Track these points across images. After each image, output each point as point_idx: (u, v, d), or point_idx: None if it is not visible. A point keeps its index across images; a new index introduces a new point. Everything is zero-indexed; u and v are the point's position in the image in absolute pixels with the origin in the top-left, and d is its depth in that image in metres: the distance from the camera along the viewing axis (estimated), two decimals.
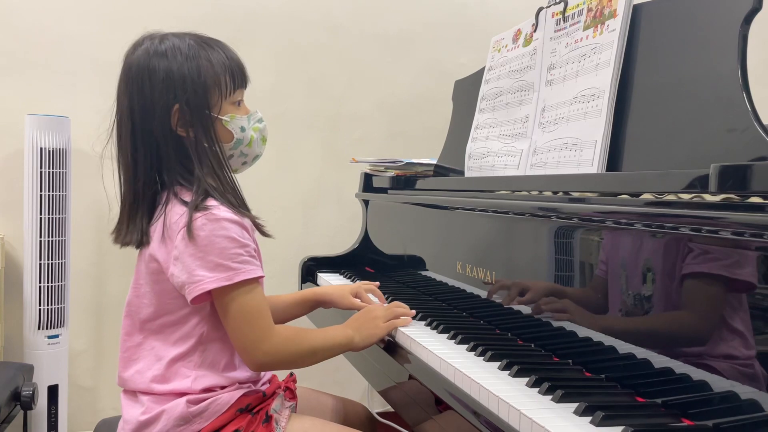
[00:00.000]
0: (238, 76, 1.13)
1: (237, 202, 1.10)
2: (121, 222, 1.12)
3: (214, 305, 1.07)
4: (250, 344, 1.06)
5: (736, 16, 0.97)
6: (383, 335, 1.22)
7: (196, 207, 1.04)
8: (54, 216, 1.95)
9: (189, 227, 1.02)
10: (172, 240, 1.05)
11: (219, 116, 1.11)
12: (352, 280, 1.78)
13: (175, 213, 1.06)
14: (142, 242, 1.10)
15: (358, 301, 1.35)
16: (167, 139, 1.08)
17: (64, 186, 1.98)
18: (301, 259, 1.99)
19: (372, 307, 1.28)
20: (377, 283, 1.44)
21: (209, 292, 1.04)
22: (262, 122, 1.18)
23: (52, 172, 1.95)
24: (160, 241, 1.07)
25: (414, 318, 1.30)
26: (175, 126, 1.08)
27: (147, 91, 1.07)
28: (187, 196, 1.06)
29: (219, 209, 1.05)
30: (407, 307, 1.29)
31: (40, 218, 1.94)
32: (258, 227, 1.12)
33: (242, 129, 1.14)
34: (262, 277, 1.08)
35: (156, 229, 1.08)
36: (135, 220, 1.10)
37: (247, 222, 1.09)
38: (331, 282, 1.77)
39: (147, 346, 1.10)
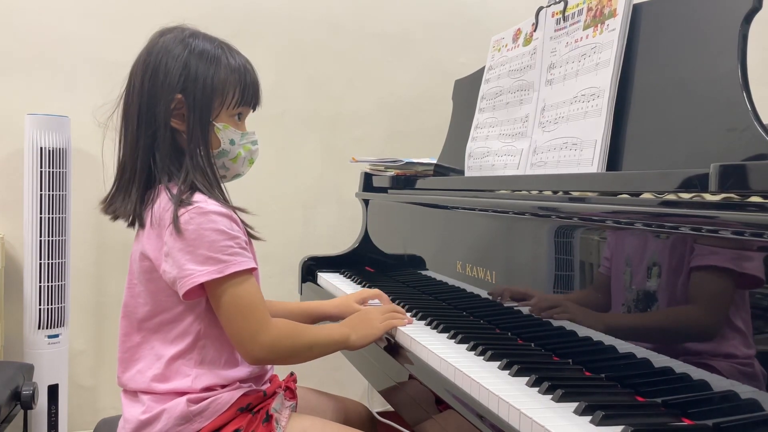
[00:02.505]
0: (247, 95, 1.14)
1: (223, 200, 1.10)
2: (116, 193, 1.12)
3: (209, 302, 1.07)
4: (246, 336, 1.05)
5: (736, 16, 0.97)
6: (380, 335, 1.22)
7: (181, 202, 1.04)
8: (54, 216, 1.95)
9: (176, 222, 1.02)
10: (161, 234, 1.05)
11: (213, 121, 1.11)
12: (353, 280, 1.78)
13: (163, 208, 1.06)
14: (134, 222, 1.10)
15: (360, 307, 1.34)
16: (166, 126, 1.09)
17: (64, 186, 1.98)
18: (301, 258, 1.99)
19: (368, 308, 1.28)
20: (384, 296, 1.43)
21: (202, 288, 1.04)
22: (256, 145, 1.18)
23: (52, 172, 1.95)
24: (149, 236, 1.07)
25: (414, 317, 1.30)
26: (171, 115, 1.08)
27: (161, 76, 1.08)
28: (176, 190, 1.06)
29: (206, 203, 1.05)
30: (405, 312, 1.29)
31: (40, 218, 1.94)
32: (247, 229, 1.11)
33: (231, 142, 1.14)
34: (255, 269, 1.08)
35: (146, 217, 1.08)
36: (130, 194, 1.10)
37: (235, 215, 1.08)
38: (331, 281, 1.78)
39: (147, 346, 1.10)
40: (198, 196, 1.05)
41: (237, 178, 1.20)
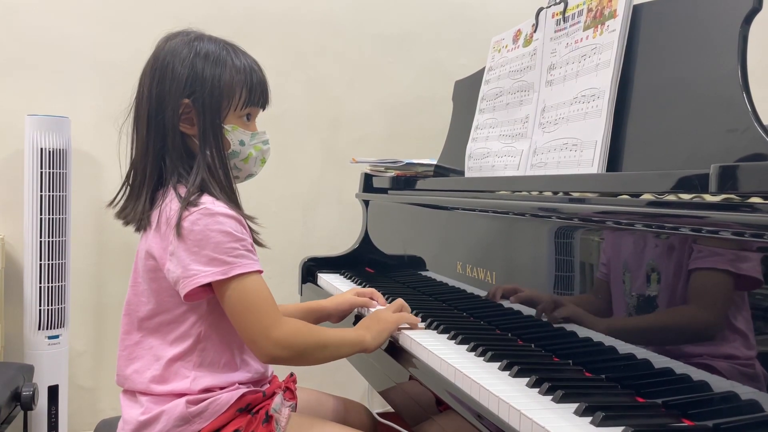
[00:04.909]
0: (255, 94, 1.14)
1: (234, 204, 1.10)
2: (128, 198, 1.13)
3: (210, 304, 1.07)
4: (258, 334, 1.04)
5: (736, 17, 0.97)
6: (394, 328, 1.20)
7: (189, 203, 1.04)
8: (54, 216, 1.95)
9: (182, 223, 1.02)
10: (168, 234, 1.05)
11: (222, 124, 1.11)
12: (353, 281, 1.78)
13: (172, 208, 1.06)
14: (141, 225, 1.11)
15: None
16: (175, 131, 1.09)
17: (64, 186, 1.98)
18: (301, 259, 1.99)
19: (377, 309, 1.27)
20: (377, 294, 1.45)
21: (203, 290, 1.03)
22: (267, 144, 1.18)
23: (53, 173, 1.95)
24: (155, 235, 1.07)
25: None
26: (179, 120, 1.09)
27: (167, 81, 1.09)
28: (185, 191, 1.07)
29: (214, 204, 1.05)
30: (409, 307, 1.29)
31: (41, 219, 1.94)
32: (253, 235, 1.11)
33: (241, 143, 1.14)
34: (260, 271, 1.07)
35: (153, 218, 1.08)
36: (140, 197, 1.10)
37: (242, 217, 1.09)
38: (331, 282, 1.78)
39: (145, 345, 1.10)
40: (206, 198, 1.06)
41: (250, 178, 1.20)
